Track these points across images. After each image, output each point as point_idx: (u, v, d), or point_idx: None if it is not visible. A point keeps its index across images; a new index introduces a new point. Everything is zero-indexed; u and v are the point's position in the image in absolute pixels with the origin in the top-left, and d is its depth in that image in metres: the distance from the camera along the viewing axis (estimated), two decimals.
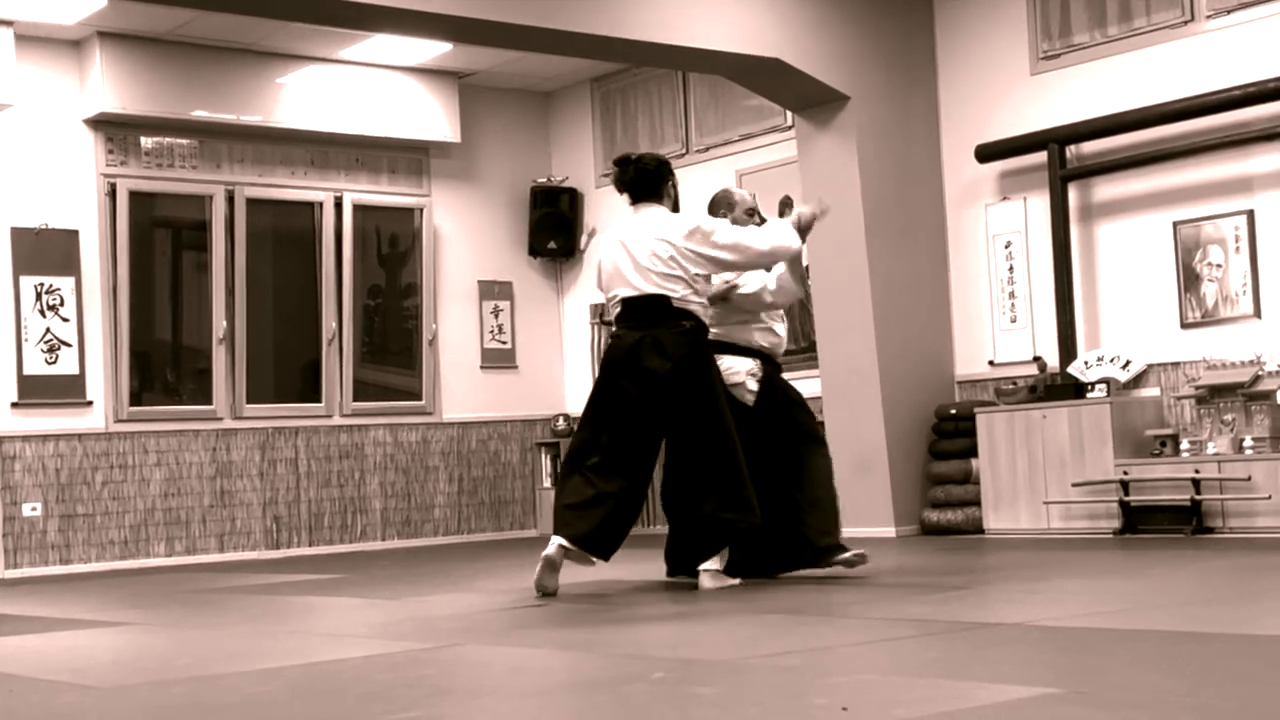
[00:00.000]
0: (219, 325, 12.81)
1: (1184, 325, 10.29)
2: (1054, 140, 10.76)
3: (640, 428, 7.38)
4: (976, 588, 7.19)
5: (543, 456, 14.32)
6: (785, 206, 8.23)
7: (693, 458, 7.35)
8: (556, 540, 7.28)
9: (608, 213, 14.13)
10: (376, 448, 13.57)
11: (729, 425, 7.38)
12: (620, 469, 7.35)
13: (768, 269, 7.70)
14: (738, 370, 7.66)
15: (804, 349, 12.00)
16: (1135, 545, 9.25)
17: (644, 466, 7.44)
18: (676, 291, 7.35)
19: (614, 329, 7.61)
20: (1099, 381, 10.34)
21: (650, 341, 7.33)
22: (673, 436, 7.41)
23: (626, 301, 7.47)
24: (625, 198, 7.73)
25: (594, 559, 7.36)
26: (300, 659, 5.50)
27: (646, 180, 7.65)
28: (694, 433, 7.35)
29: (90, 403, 12.27)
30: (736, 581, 7.47)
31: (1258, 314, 9.94)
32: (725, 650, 5.19)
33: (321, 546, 13.20)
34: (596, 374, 7.81)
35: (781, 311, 7.96)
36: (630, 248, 7.47)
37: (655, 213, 7.56)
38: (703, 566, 7.42)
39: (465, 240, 14.25)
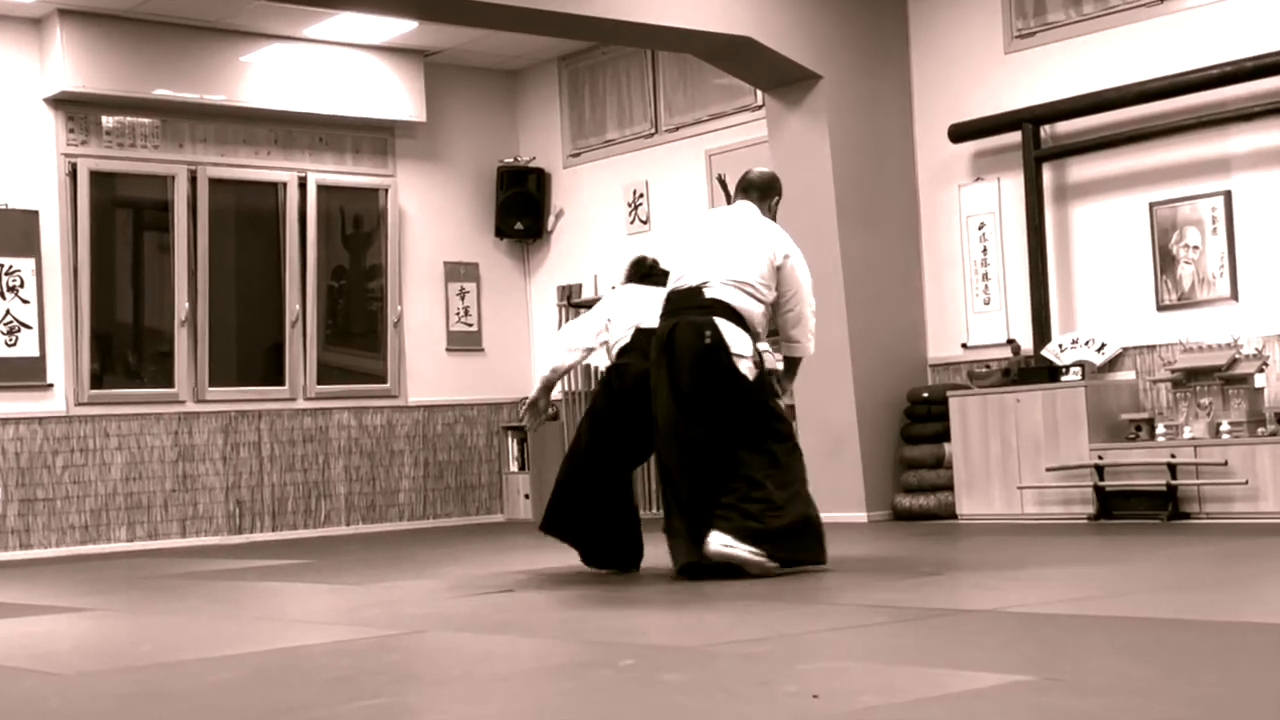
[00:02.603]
0: (181, 307, 12.69)
1: (1160, 308, 10.24)
2: (1028, 120, 10.71)
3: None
4: (949, 574, 7.17)
5: (509, 440, 14.23)
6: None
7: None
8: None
9: (575, 193, 14.08)
10: (341, 431, 13.48)
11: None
12: None
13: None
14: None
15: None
16: (1110, 531, 9.23)
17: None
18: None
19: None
20: (1074, 365, 10.28)
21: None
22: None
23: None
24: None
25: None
26: (264, 645, 5.50)
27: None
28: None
29: (50, 385, 12.14)
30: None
31: (1235, 296, 9.89)
32: (694, 637, 5.17)
33: (285, 531, 13.12)
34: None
35: None
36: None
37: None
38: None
39: (431, 221, 14.16)
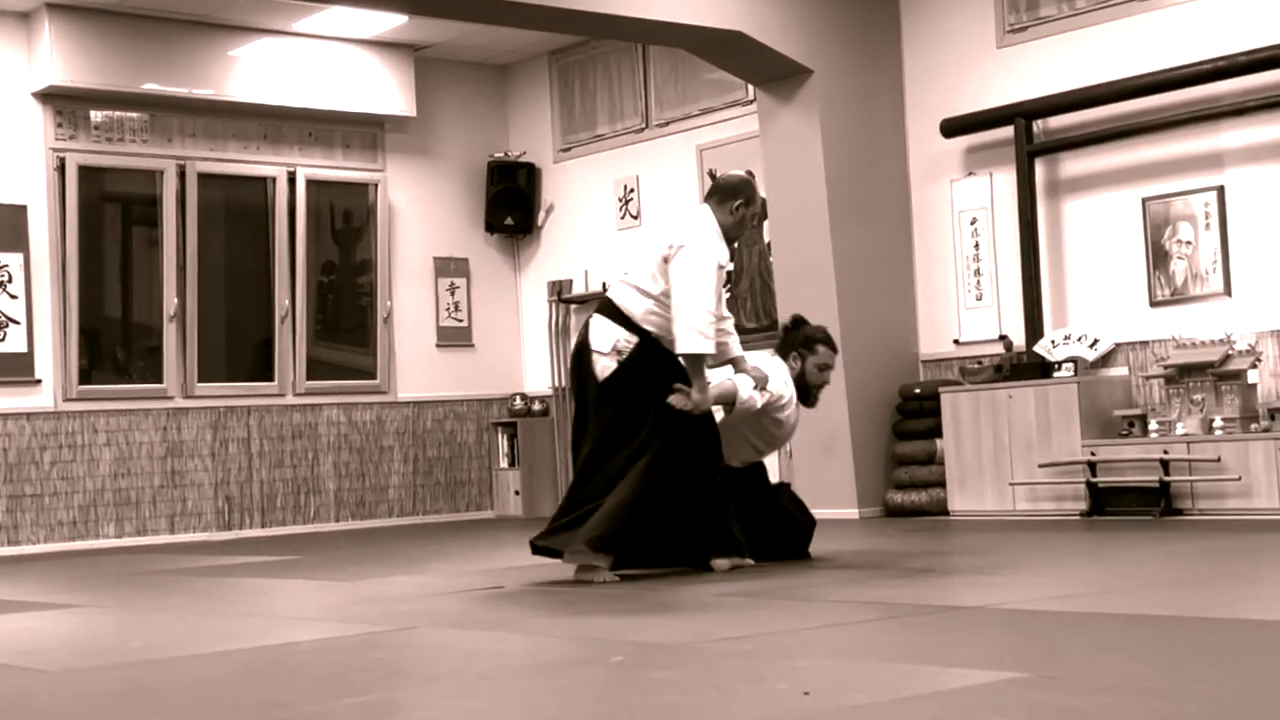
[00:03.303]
0: (170, 302, 12.65)
1: (1153, 303, 10.22)
2: (1021, 115, 10.69)
3: None
4: (941, 570, 7.17)
5: (499, 436, 14.20)
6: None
7: None
8: None
9: (566, 188, 14.04)
10: (330, 427, 13.44)
11: None
12: None
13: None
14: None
15: (765, 327, 11.88)
16: (1102, 527, 9.21)
17: None
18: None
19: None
20: (1066, 361, 10.26)
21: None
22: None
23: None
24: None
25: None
26: (253, 642, 5.49)
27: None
28: None
29: (39, 381, 12.10)
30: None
31: (1228, 292, 9.87)
32: (685, 633, 5.14)
33: (274, 528, 13.08)
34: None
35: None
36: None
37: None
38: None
39: (421, 216, 14.12)
